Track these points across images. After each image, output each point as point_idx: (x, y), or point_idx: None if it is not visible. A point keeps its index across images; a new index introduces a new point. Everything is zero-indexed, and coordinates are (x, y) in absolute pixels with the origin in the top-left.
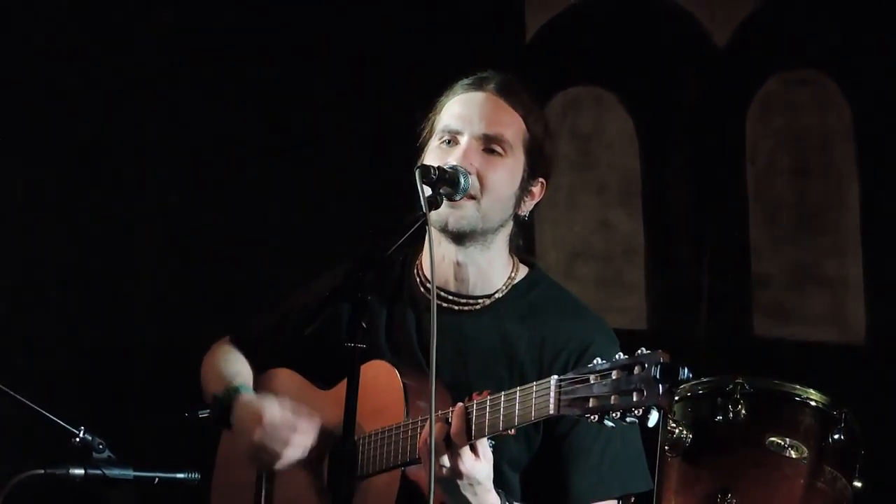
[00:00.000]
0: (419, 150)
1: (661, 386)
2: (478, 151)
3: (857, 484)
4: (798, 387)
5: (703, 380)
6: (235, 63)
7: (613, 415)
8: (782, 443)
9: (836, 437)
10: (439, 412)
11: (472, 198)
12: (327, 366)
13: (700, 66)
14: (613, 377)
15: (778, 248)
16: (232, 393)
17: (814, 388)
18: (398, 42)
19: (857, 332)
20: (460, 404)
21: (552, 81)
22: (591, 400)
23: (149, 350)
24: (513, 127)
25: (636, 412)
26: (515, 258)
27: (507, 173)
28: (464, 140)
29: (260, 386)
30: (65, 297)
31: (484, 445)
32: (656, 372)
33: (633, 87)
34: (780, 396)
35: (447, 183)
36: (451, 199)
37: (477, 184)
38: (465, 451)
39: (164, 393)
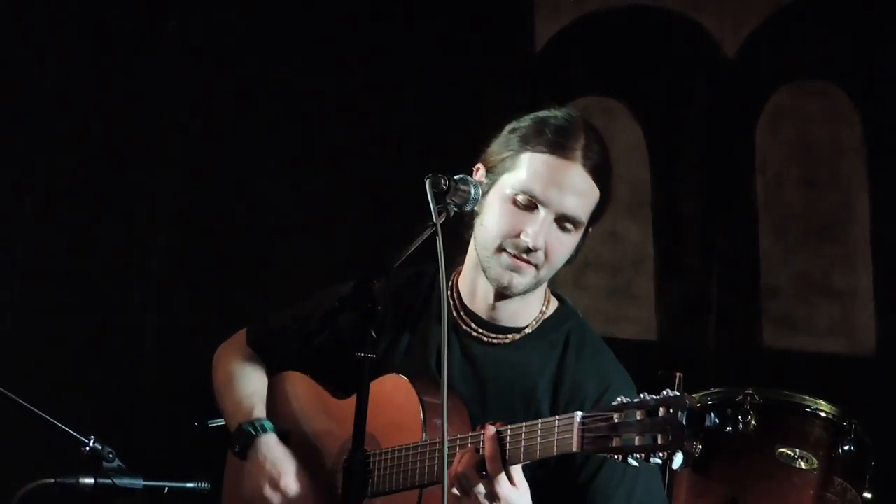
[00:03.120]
0: (474, 162)
1: (686, 431)
2: (552, 226)
3: (868, 495)
4: (808, 398)
5: (713, 390)
6: (245, 71)
7: (637, 455)
8: (792, 454)
9: (846, 448)
10: (458, 436)
11: (535, 266)
12: (344, 376)
13: (710, 77)
14: (638, 417)
15: (787, 259)
16: (258, 430)
17: (823, 400)
18: (409, 53)
19: (866, 344)
20: (491, 429)
21: (562, 92)
22: (614, 439)
23: (159, 359)
24: (590, 200)
25: (661, 454)
26: (548, 291)
27: (571, 245)
28: (542, 213)
29: (274, 391)
30: (74, 305)
31: (518, 472)
32: (683, 417)
33: (643, 98)
34: (789, 407)
35: (458, 194)
36: (461, 209)
37: (542, 257)
38: (502, 477)
39: (174, 402)
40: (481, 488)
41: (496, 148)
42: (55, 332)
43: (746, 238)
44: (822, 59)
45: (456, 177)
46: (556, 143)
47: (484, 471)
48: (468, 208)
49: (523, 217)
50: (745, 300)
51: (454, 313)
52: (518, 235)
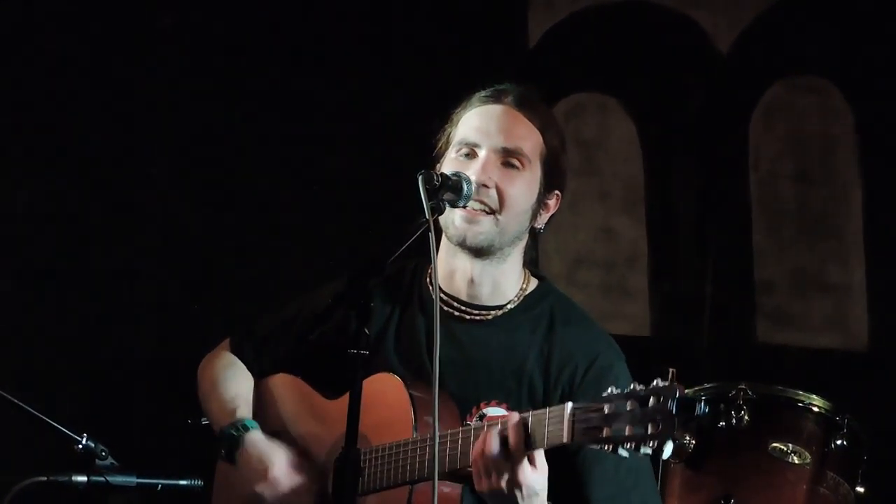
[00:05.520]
0: (435, 160)
1: (677, 420)
2: (496, 165)
3: (860, 489)
4: (801, 393)
5: (706, 386)
6: (239, 69)
7: (628, 445)
8: (785, 448)
9: (839, 442)
10: (448, 431)
11: (491, 212)
12: (334, 375)
13: (703, 73)
14: (628, 407)
15: (781, 254)
16: (241, 430)
17: (816, 395)
18: (402, 49)
19: (859, 338)
20: (516, 414)
21: (555, 88)
22: (604, 430)
23: (152, 356)
24: (531, 140)
25: (651, 444)
26: (527, 270)
27: (525, 187)
28: (482, 153)
29: (261, 395)
30: (67, 303)
31: (540, 455)
32: (673, 406)
33: (637, 94)
34: (782, 402)
35: (450, 189)
36: (454, 205)
37: (496, 197)
38: (525, 462)
39: (167, 399)
40: (504, 472)
41: (441, 134)
42: (47, 331)
43: (740, 233)
44: (815, 55)
45: (448, 173)
46: (486, 96)
47: (507, 455)
48: (461, 204)
49: (467, 165)
50: (738, 295)
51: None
52: None
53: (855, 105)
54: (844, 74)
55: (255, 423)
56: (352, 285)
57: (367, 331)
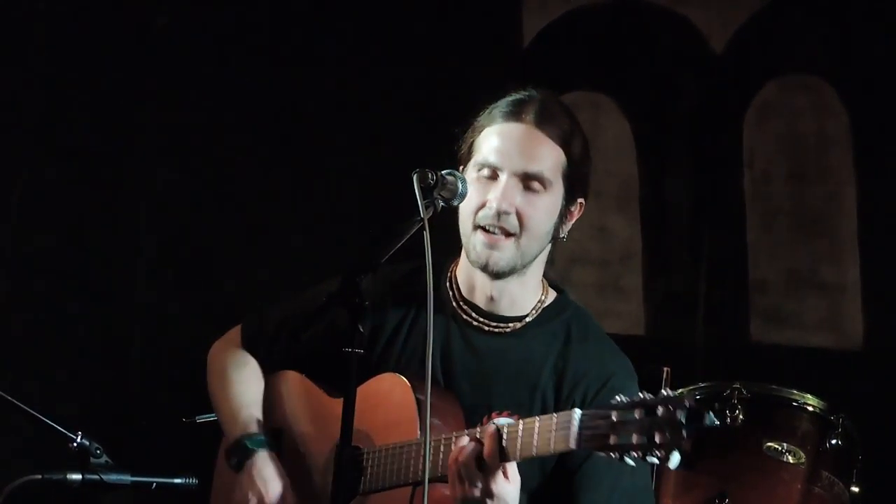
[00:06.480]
0: (455, 164)
1: (685, 430)
2: (517, 189)
3: (855, 489)
4: (795, 392)
5: (701, 385)
6: (234, 69)
7: (634, 454)
8: (780, 448)
9: (834, 442)
10: (453, 434)
11: (512, 235)
12: (339, 373)
13: (697, 72)
14: (636, 416)
15: (775, 253)
16: (255, 447)
17: (811, 394)
18: (397, 48)
19: (854, 338)
20: (492, 425)
21: (550, 87)
22: (611, 437)
23: (147, 355)
24: (552, 159)
25: (658, 453)
26: (545, 281)
27: (546, 209)
28: (503, 177)
29: (270, 391)
30: (63, 301)
31: (513, 467)
32: (682, 416)
33: (631, 93)
34: (777, 402)
35: (445, 188)
36: (448, 204)
37: (516, 222)
38: (498, 472)
39: (162, 398)
40: (477, 482)
41: (463, 140)
42: (43, 329)
43: (734, 232)
44: (809, 54)
45: (443, 171)
46: (507, 112)
47: (482, 464)
48: (456, 203)
49: (488, 187)
50: (732, 294)
51: (453, 304)
52: (485, 205)
53: (849, 104)
54: (839, 73)
55: (266, 444)
56: (345, 284)
57: (361, 329)
